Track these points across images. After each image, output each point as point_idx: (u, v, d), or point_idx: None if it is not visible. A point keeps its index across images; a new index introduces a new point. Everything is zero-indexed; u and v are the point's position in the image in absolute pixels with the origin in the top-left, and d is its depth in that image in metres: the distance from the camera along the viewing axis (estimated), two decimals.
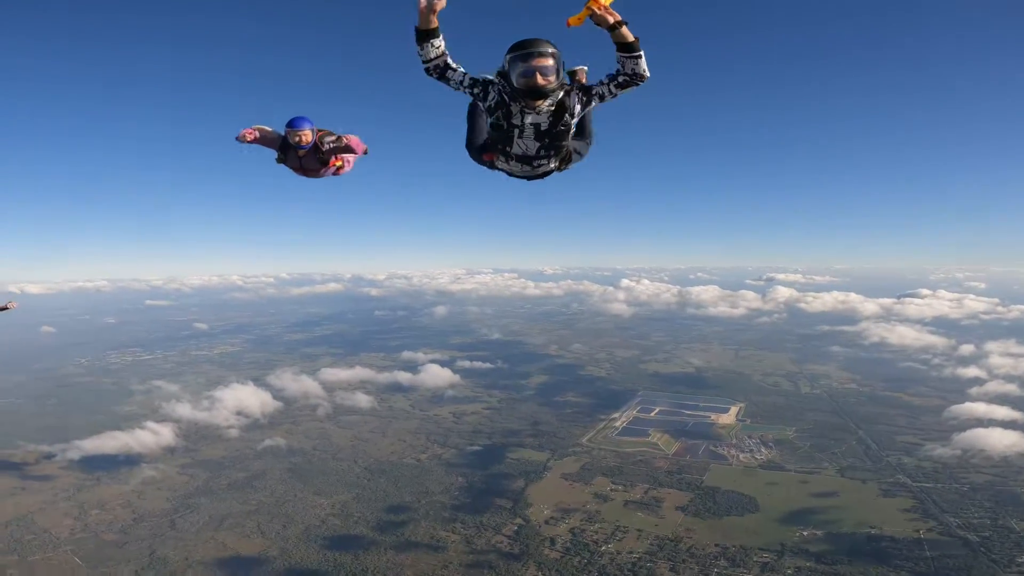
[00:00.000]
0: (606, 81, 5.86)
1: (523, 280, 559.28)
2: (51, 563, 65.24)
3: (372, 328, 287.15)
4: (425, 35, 5.46)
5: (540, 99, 5.67)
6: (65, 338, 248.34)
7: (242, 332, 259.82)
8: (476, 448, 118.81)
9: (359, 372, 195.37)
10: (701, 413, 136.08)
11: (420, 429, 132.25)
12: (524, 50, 5.46)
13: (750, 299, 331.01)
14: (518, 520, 79.32)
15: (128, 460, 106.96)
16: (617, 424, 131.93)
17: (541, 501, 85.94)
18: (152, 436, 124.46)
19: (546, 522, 78.60)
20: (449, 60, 5.81)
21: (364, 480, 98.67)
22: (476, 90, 5.99)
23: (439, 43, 5.56)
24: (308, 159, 8.70)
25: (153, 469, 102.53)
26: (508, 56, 5.58)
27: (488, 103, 5.97)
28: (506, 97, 5.82)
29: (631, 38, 5.27)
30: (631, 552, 69.98)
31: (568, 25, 5.08)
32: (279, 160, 8.67)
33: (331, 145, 8.61)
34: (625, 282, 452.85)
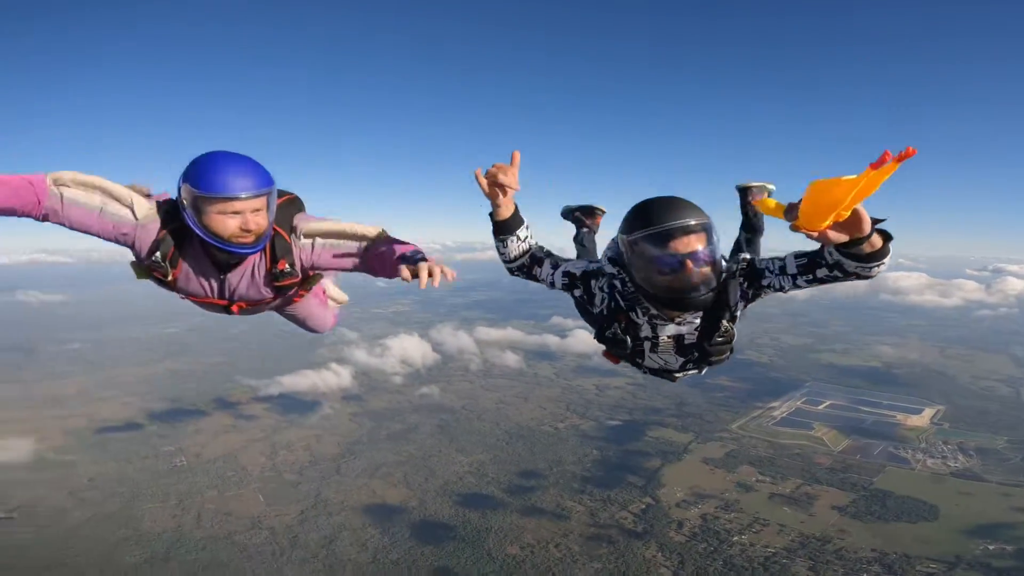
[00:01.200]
0: (795, 272, 3.26)
1: None
2: (240, 499, 76.69)
3: (524, 296, 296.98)
4: (503, 227, 3.67)
5: (687, 307, 3.41)
6: None
7: (411, 294, 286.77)
8: (615, 422, 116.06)
9: (510, 333, 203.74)
10: (885, 412, 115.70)
11: (561, 398, 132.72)
12: (659, 226, 3.05)
13: (969, 290, 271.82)
14: (647, 499, 76.07)
15: (314, 403, 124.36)
16: (775, 414, 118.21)
17: (675, 483, 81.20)
18: (335, 377, 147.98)
19: (677, 504, 74.26)
20: (536, 257, 3.95)
21: (503, 443, 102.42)
22: (577, 292, 3.91)
23: (524, 235, 3.75)
24: None
25: (331, 410, 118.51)
26: (627, 235, 3.24)
27: (598, 309, 3.79)
28: (622, 301, 3.60)
29: (879, 244, 2.79)
30: (767, 546, 63.11)
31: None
32: None
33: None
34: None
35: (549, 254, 3.91)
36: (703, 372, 4.45)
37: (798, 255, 3.22)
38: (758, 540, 64.35)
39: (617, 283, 3.53)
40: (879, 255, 2.80)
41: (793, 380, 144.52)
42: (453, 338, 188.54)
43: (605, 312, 3.71)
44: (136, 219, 3.11)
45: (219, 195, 2.90)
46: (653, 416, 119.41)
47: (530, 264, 3.92)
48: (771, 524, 67.80)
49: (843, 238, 2.58)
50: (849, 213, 2.40)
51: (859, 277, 3.02)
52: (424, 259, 3.11)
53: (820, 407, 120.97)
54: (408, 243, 3.55)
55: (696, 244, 3.06)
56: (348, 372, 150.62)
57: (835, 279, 3.08)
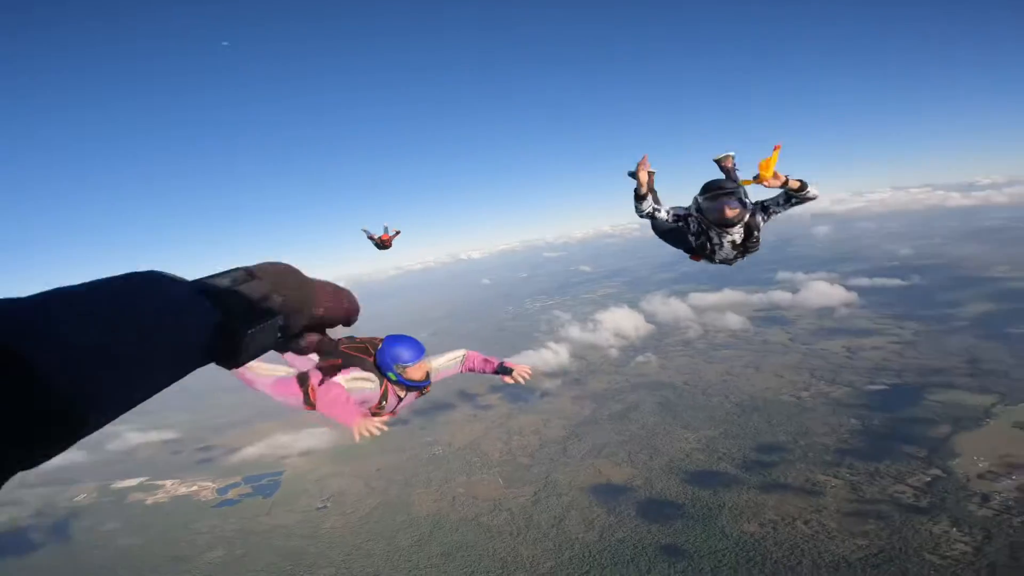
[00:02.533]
0: (781, 202, 7.00)
1: (941, 192, 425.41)
2: (484, 483, 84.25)
3: (741, 262, 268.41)
4: (642, 197, 6.97)
5: (731, 227, 7.00)
6: (498, 289, 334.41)
7: (618, 276, 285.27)
8: (878, 387, 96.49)
9: (728, 296, 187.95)
10: None
11: (802, 364, 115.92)
12: (711, 192, 6.84)
13: None
14: (934, 471, 61.01)
15: (540, 393, 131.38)
16: None
17: (976, 452, 63.41)
18: (553, 355, 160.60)
19: (980, 476, 57.87)
20: (657, 210, 7.16)
21: (734, 416, 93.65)
22: (680, 223, 7.27)
23: (650, 201, 7.04)
24: None
25: (554, 397, 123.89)
26: (700, 198, 6.97)
27: (693, 231, 7.27)
28: (703, 226, 7.16)
29: (797, 185, 6.60)
30: None
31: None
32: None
33: None
34: None
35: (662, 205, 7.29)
36: (744, 258, 7.57)
37: (778, 196, 6.94)
38: None
39: (699, 219, 7.04)
40: (803, 189, 6.56)
41: None
42: (665, 307, 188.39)
43: (697, 232, 7.13)
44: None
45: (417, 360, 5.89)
46: (933, 377, 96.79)
47: (654, 212, 7.05)
48: None
49: (777, 184, 6.46)
50: (771, 174, 6.34)
51: (801, 202, 6.80)
52: (510, 369, 6.62)
53: None
54: (488, 357, 6.96)
55: (730, 201, 6.70)
56: (565, 349, 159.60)
57: (799, 202, 6.82)
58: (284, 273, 1.21)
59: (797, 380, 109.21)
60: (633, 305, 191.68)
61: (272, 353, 1.29)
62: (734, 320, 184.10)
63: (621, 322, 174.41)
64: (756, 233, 7.10)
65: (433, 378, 6.43)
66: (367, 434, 4.95)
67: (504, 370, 6.60)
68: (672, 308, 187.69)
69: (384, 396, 5.74)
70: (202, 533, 77.65)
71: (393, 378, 5.78)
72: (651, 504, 66.71)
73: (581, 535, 62.23)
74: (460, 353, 6.92)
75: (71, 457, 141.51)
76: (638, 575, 52.12)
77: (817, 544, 51.53)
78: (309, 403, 5.79)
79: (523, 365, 6.81)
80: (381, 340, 5.93)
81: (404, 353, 5.75)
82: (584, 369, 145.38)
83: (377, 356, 5.75)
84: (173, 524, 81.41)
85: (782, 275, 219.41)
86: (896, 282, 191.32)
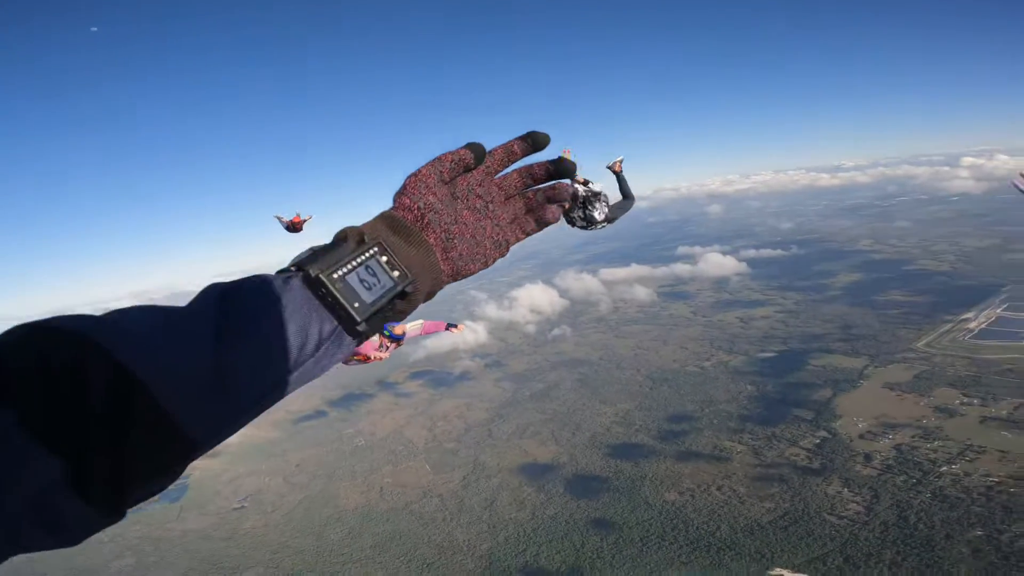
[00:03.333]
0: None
1: (813, 173, 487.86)
2: (411, 470, 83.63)
3: (646, 240, 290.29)
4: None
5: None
6: None
7: (531, 258, 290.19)
8: (768, 355, 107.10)
9: (636, 270, 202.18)
10: None
11: (703, 336, 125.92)
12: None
13: None
14: (821, 433, 68.77)
15: (461, 377, 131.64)
16: (972, 326, 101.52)
17: (854, 413, 72.41)
18: (472, 333, 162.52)
19: (861, 436, 66.01)
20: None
21: (646, 389, 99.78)
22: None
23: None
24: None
25: (475, 380, 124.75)
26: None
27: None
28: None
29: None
30: (987, 475, 53.41)
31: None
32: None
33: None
34: (968, 160, 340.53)
35: None
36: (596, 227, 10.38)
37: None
38: (974, 469, 54.81)
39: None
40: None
41: (987, 286, 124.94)
42: (578, 282, 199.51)
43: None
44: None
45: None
46: (814, 343, 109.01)
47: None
48: (988, 451, 57.20)
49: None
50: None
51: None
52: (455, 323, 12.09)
53: None
54: (436, 322, 11.38)
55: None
56: (483, 328, 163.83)
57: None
58: None
59: (700, 351, 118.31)
60: (547, 282, 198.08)
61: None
62: (642, 292, 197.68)
63: (536, 298, 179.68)
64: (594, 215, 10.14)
65: (408, 334, 9.98)
66: (380, 358, 9.42)
67: (452, 324, 11.86)
68: (584, 283, 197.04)
69: (381, 345, 9.30)
70: (104, 542, 70.42)
71: (386, 333, 9.11)
72: (578, 480, 69.68)
73: (514, 515, 63.77)
74: (419, 322, 10.55)
75: None
76: (573, 550, 54.44)
77: (731, 509, 56.50)
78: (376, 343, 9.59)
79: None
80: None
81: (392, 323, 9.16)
82: (504, 350, 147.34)
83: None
84: None
85: (682, 249, 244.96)
86: (779, 252, 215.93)
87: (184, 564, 64.31)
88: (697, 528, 54.18)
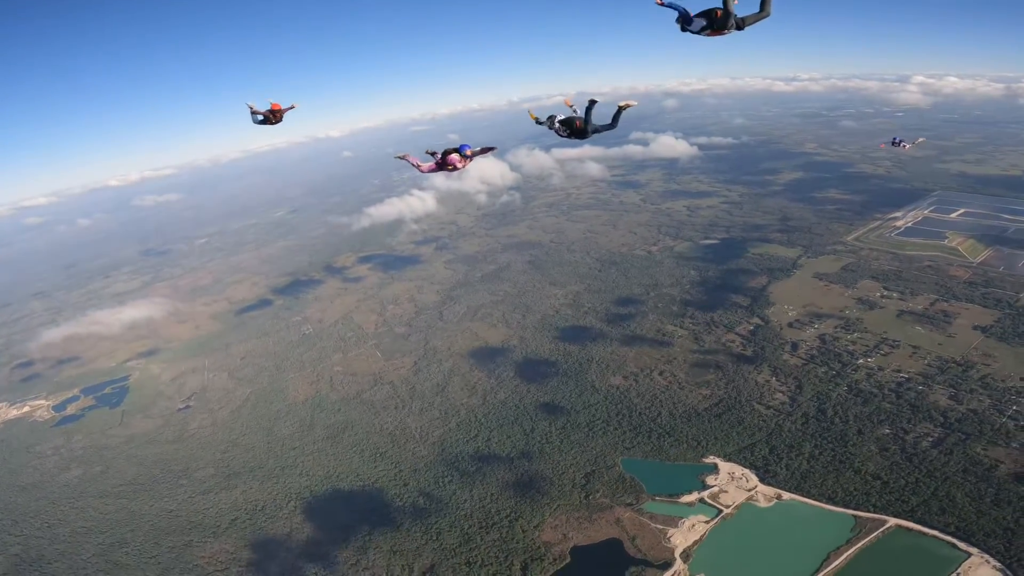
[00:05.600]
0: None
1: (769, 80, 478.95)
2: (362, 358, 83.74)
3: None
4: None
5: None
6: (363, 164, 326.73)
7: (486, 143, 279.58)
8: (711, 242, 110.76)
9: (588, 150, 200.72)
10: None
11: (651, 222, 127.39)
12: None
13: None
14: (755, 320, 72.65)
15: (411, 259, 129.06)
16: (899, 224, 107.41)
17: (786, 301, 76.41)
18: (419, 201, 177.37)
19: (790, 325, 70.15)
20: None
21: (595, 271, 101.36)
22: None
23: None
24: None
25: (426, 263, 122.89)
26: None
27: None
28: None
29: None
30: (898, 370, 58.15)
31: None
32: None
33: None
34: (919, 78, 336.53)
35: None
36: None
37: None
38: (887, 363, 59.61)
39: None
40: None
41: (917, 190, 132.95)
42: (530, 158, 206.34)
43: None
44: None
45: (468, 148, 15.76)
46: (754, 232, 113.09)
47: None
48: (902, 346, 62.20)
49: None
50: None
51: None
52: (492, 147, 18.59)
53: (952, 215, 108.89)
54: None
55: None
56: (431, 196, 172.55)
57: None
58: None
59: (648, 236, 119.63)
60: (497, 157, 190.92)
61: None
62: (594, 168, 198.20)
63: (487, 170, 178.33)
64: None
65: (474, 154, 15.45)
66: (462, 166, 15.12)
67: (489, 147, 16.63)
68: (537, 159, 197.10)
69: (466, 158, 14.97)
70: (48, 456, 69.65)
71: (464, 154, 15.02)
72: (527, 364, 71.97)
73: (465, 400, 65.93)
74: (479, 148, 15.79)
75: None
76: (523, 434, 57.37)
77: (672, 395, 60.08)
78: (444, 167, 15.14)
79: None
80: (457, 147, 15.21)
81: (465, 147, 15.14)
82: (455, 233, 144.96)
83: (459, 148, 15.12)
84: (12, 451, 72.50)
85: (635, 135, 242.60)
86: (729, 140, 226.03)
87: (132, 471, 64.04)
88: (640, 414, 57.76)
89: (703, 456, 50.59)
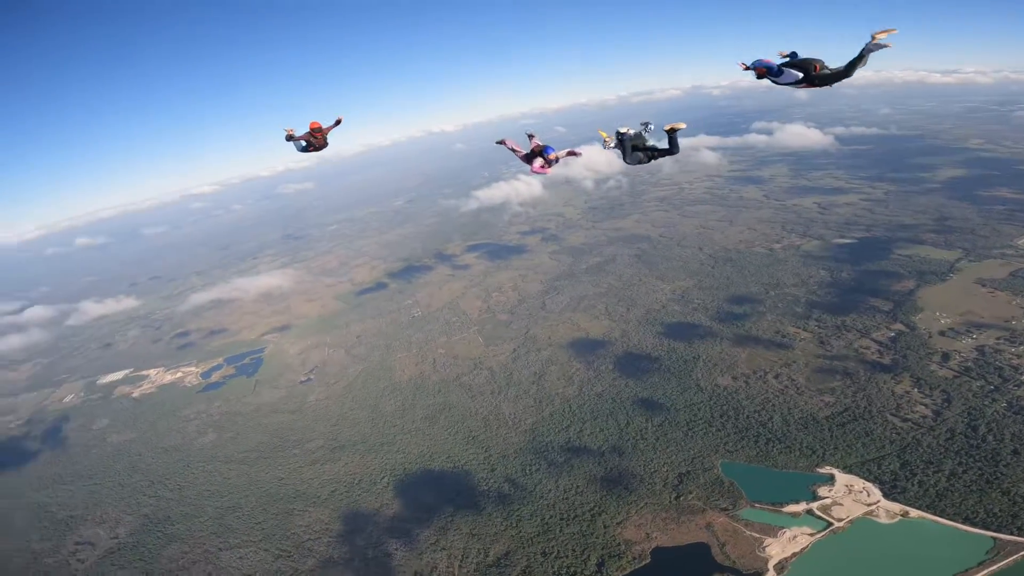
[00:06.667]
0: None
1: (923, 73, 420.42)
2: (464, 342, 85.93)
3: (717, 116, 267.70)
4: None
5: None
6: (473, 157, 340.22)
7: (595, 135, 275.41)
8: (847, 241, 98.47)
9: (704, 139, 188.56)
10: None
11: (775, 219, 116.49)
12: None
13: None
14: (898, 326, 63.56)
15: (517, 249, 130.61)
16: None
17: (938, 307, 66.25)
18: (525, 186, 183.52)
19: (941, 333, 60.50)
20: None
21: (708, 268, 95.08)
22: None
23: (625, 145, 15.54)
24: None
25: (532, 254, 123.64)
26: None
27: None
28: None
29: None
30: None
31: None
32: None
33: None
34: None
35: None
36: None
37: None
38: None
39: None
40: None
41: None
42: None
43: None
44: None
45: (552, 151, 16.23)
46: (902, 232, 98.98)
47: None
48: None
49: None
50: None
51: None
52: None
53: None
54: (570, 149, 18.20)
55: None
56: (538, 181, 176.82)
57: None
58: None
59: (769, 233, 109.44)
60: (607, 146, 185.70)
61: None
62: (710, 157, 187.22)
63: (595, 158, 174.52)
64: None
65: (560, 157, 15.71)
66: (543, 171, 15.57)
67: (573, 151, 17.00)
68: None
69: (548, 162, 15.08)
70: (191, 420, 78.94)
71: (546, 158, 15.01)
72: (629, 358, 69.19)
73: (561, 390, 64.94)
74: (564, 151, 16.45)
75: (34, 340, 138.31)
76: (616, 428, 55.24)
77: (787, 399, 54.50)
78: (541, 163, 15.15)
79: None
80: (543, 146, 15.59)
81: (549, 149, 15.40)
82: (562, 224, 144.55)
83: (543, 150, 15.46)
84: (162, 414, 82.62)
85: (759, 124, 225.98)
86: (875, 131, 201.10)
87: (256, 438, 70.58)
88: (748, 416, 53.01)
89: (817, 466, 45.62)
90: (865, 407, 50.95)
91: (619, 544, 41.76)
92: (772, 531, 40.35)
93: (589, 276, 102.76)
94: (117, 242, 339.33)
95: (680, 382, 61.12)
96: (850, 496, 41.76)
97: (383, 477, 56.48)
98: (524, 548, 43.44)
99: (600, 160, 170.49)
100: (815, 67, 10.71)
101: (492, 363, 76.28)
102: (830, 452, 46.53)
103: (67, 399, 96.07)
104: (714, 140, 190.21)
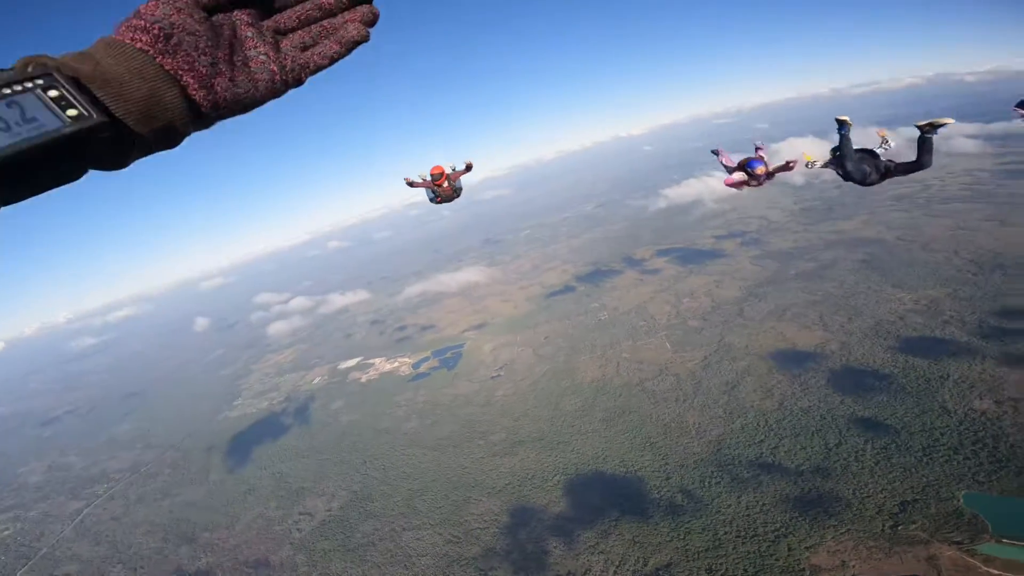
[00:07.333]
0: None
1: None
2: (650, 347, 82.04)
3: (974, 100, 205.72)
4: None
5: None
6: (662, 160, 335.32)
7: (805, 129, 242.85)
8: None
9: (960, 127, 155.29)
10: None
11: None
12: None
13: None
14: None
15: (712, 254, 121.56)
16: None
17: None
18: (718, 183, 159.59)
19: None
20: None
21: (967, 275, 75.99)
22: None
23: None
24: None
25: (729, 258, 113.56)
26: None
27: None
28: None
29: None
30: None
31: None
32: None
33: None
34: None
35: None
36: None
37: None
38: None
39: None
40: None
41: None
42: (865, 135, 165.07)
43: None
44: None
45: (758, 165, 13.44)
46: None
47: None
48: None
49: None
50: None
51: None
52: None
53: None
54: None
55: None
56: (736, 176, 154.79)
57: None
58: None
59: None
60: (819, 135, 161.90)
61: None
62: (967, 146, 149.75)
63: (807, 149, 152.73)
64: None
65: (772, 171, 13.23)
66: (739, 188, 13.50)
67: (787, 164, 13.45)
68: (868, 137, 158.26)
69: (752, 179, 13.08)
70: (401, 406, 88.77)
71: (752, 172, 12.79)
72: (847, 373, 58.57)
73: (757, 403, 57.67)
74: (776, 165, 13.32)
75: (296, 326, 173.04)
76: (823, 448, 46.75)
77: None
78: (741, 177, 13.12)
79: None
80: (746, 159, 13.21)
81: (752, 163, 13.08)
82: (764, 227, 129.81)
83: (747, 164, 13.21)
84: (380, 399, 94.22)
85: None
86: None
87: (450, 427, 76.23)
88: (1012, 446, 40.40)
89: None
90: None
91: (803, 569, 35.53)
92: (1018, 567, 30.92)
93: (799, 282, 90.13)
94: (357, 245, 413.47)
95: (918, 403, 49.45)
96: None
97: (555, 475, 56.52)
98: (687, 562, 39.49)
99: (812, 150, 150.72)
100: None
101: (679, 370, 71.38)
102: None
103: (315, 381, 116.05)
104: (972, 127, 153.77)
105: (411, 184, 14.73)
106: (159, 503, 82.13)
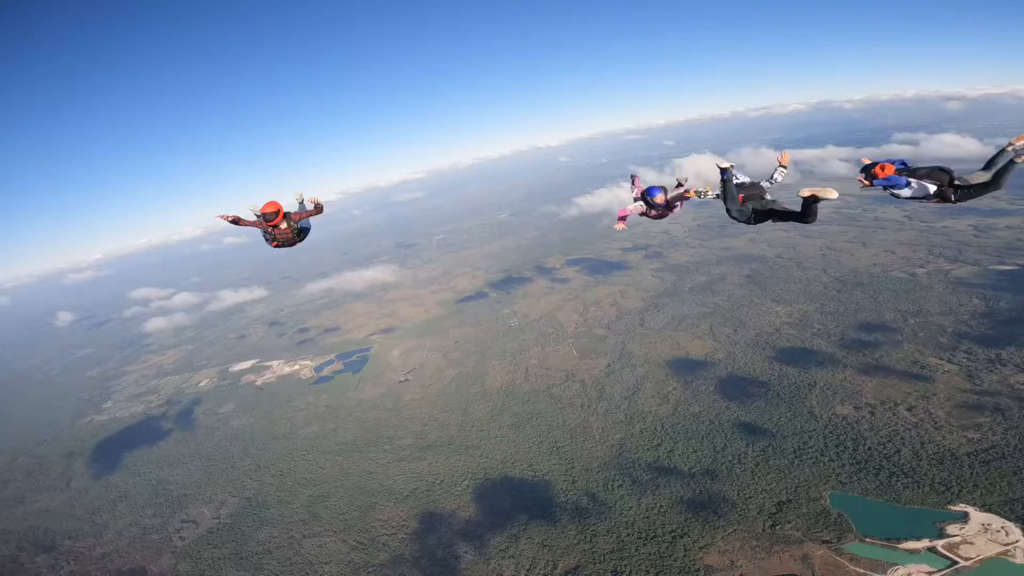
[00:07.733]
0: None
1: None
2: (558, 354, 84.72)
3: (853, 130, 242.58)
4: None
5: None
6: (577, 173, 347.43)
7: (708, 149, 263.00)
8: (1009, 268, 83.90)
9: (833, 151, 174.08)
10: None
11: (918, 241, 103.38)
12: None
13: None
14: None
15: (618, 265, 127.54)
16: None
17: None
18: (626, 192, 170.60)
19: None
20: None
21: (833, 291, 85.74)
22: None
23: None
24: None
25: (633, 270, 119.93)
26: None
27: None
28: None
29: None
30: None
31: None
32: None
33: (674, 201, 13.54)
34: None
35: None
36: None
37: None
38: None
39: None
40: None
41: None
42: (755, 156, 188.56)
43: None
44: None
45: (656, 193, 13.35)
46: None
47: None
48: None
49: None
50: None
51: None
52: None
53: None
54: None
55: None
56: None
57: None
58: None
59: (912, 257, 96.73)
60: (716, 152, 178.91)
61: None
62: (840, 170, 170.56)
63: (702, 166, 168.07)
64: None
65: (670, 200, 13.29)
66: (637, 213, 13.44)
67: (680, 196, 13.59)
68: (762, 157, 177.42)
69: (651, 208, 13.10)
70: (300, 410, 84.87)
71: (650, 201, 13.04)
72: (732, 380, 63.87)
73: (654, 408, 61.34)
74: (682, 190, 13.42)
75: (179, 324, 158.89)
76: (711, 451, 50.77)
77: (920, 433, 47.02)
78: (655, 211, 13.12)
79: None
80: (643, 189, 13.46)
81: (652, 190, 13.19)
82: (666, 242, 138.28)
83: (644, 193, 13.31)
84: (277, 403, 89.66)
85: (899, 135, 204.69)
86: None
87: (354, 432, 74.15)
88: (869, 448, 46.31)
89: (950, 503, 39.22)
90: (1015, 445, 42.91)
91: (698, 569, 38.53)
92: (881, 567, 35.63)
93: (694, 295, 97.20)
94: (255, 242, 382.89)
95: (790, 408, 55.10)
96: (985, 535, 36.12)
97: (464, 479, 56.54)
98: (595, 564, 41.25)
99: (711, 170, 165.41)
100: (948, 178, 9.38)
101: (585, 376, 74.22)
102: (968, 489, 39.88)
103: (202, 383, 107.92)
104: (846, 151, 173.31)
105: (235, 222, 11.38)
106: (11, 511, 73.77)
